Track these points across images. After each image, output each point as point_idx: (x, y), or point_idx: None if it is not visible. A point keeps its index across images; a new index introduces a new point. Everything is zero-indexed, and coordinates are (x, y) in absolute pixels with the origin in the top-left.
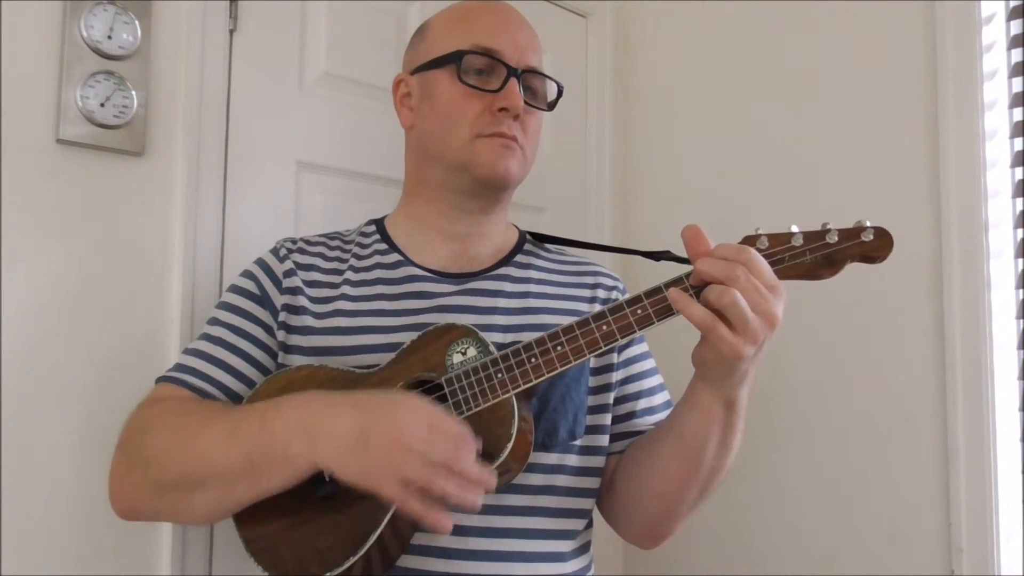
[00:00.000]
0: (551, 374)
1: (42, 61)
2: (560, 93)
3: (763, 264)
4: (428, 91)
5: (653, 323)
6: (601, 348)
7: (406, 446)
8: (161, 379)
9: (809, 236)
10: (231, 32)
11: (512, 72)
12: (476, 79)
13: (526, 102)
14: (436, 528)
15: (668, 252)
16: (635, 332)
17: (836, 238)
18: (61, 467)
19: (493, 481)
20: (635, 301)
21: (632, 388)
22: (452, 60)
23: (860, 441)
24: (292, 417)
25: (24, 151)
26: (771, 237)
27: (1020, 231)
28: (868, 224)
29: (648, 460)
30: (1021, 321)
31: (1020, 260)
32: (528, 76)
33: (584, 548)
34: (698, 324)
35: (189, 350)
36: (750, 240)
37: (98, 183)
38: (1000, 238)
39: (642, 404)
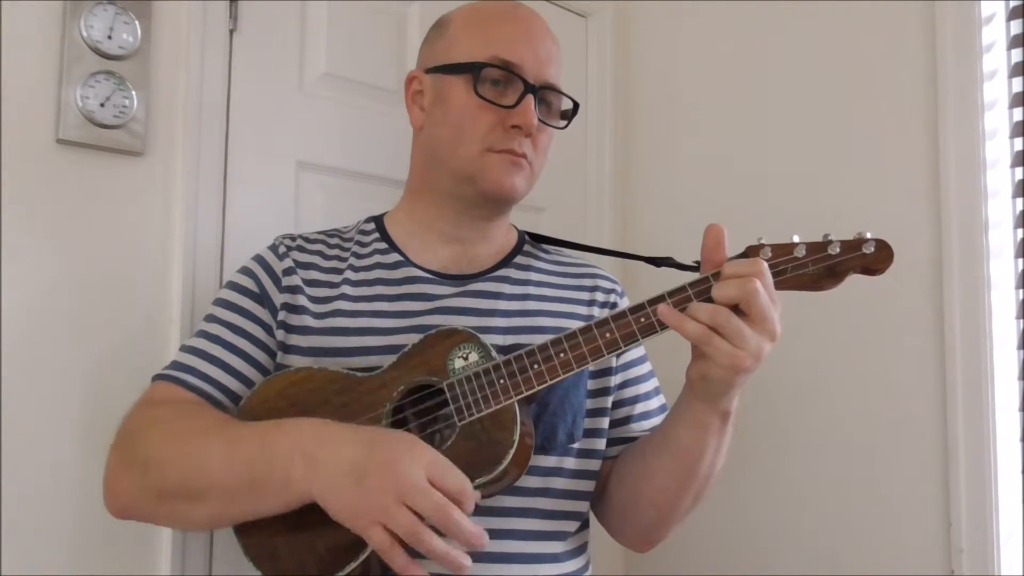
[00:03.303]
0: (553, 381)
1: (42, 61)
2: (576, 110)
3: (771, 279)
4: (442, 96)
5: (656, 331)
6: (604, 355)
7: (400, 494)
8: (158, 377)
9: (811, 247)
10: (231, 32)
11: (529, 88)
12: (492, 92)
13: (540, 118)
14: None
15: (670, 259)
16: (638, 340)
17: (838, 249)
18: (61, 467)
19: (485, 541)
20: (638, 309)
21: (629, 392)
22: (469, 70)
23: (860, 441)
24: (294, 442)
25: (24, 151)
26: (774, 248)
27: (1020, 231)
28: (869, 236)
29: (641, 472)
30: (1021, 321)
31: (1020, 260)
32: (548, 93)
33: (581, 549)
34: (695, 339)
35: (187, 348)
36: (753, 250)
37: (98, 183)
38: (1000, 238)
39: (638, 409)
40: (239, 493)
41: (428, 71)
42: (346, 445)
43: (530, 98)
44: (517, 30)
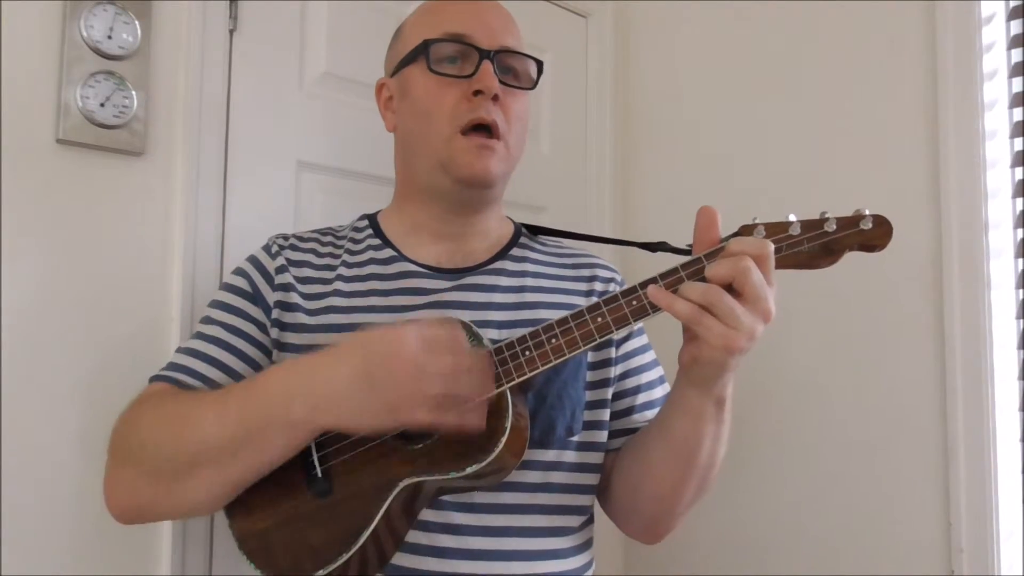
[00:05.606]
0: (546, 367)
1: (42, 61)
2: (540, 70)
3: (772, 261)
4: (405, 89)
5: (648, 314)
6: (596, 340)
7: (416, 368)
8: (154, 378)
9: (807, 225)
10: (231, 32)
11: (484, 54)
12: (448, 67)
13: (506, 83)
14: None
15: (664, 243)
16: (630, 323)
17: (834, 227)
18: (61, 467)
19: (490, 366)
20: (630, 292)
21: (631, 383)
22: (421, 51)
23: (860, 441)
24: (284, 382)
25: (24, 151)
26: (768, 226)
27: (1020, 231)
28: (867, 212)
29: (641, 465)
30: (1021, 321)
31: (1020, 260)
32: (506, 57)
33: (584, 546)
34: (686, 319)
35: (183, 349)
36: (747, 229)
37: (98, 183)
38: (1000, 238)
39: (640, 399)
40: (239, 448)
41: (392, 74)
42: (338, 365)
43: (488, 63)
44: (462, 6)
